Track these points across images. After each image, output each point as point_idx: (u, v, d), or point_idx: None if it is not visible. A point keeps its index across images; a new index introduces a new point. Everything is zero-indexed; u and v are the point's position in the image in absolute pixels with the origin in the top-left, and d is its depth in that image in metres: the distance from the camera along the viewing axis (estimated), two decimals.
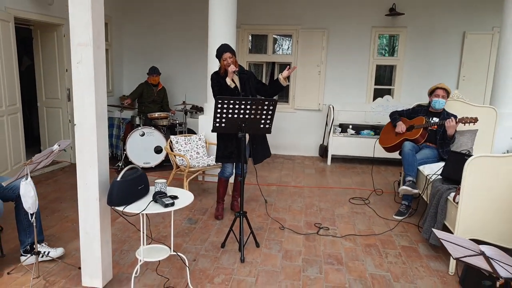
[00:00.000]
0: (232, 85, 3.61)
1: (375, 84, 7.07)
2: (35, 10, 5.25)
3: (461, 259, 1.89)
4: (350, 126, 6.71)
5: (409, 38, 6.74)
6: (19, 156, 4.98)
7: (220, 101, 3.07)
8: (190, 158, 4.84)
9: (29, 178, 2.48)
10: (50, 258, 2.99)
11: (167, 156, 5.64)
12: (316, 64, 7.01)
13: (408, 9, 6.55)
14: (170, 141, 4.92)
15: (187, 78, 7.35)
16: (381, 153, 5.24)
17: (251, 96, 3.73)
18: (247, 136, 3.75)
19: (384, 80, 7.74)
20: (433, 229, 2.09)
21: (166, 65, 7.26)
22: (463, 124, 4.08)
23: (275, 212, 4.26)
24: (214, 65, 4.39)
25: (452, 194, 3.13)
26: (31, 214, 2.58)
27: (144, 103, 6.39)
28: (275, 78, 3.71)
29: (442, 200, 3.26)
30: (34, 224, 2.69)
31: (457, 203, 2.95)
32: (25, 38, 6.68)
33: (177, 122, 6.29)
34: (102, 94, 2.44)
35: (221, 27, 4.95)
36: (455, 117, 4.15)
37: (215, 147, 3.91)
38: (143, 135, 5.70)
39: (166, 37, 7.33)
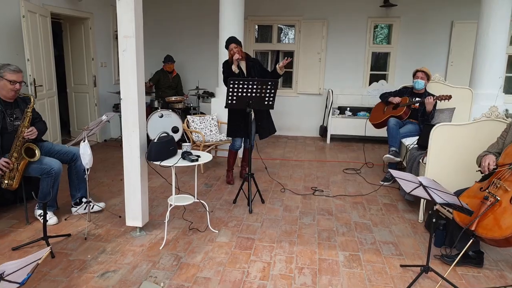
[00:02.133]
0: (236, 71, 4.29)
1: (372, 70, 7.71)
2: (67, 6, 5.95)
3: (411, 192, 2.57)
4: (348, 109, 7.38)
5: (402, 27, 7.35)
6: (56, 135, 5.74)
7: (232, 82, 3.76)
8: (204, 135, 5.55)
9: (86, 140, 3.21)
10: (99, 209, 3.75)
11: (182, 135, 6.36)
12: (317, 51, 7.65)
13: (401, 0, 7.14)
14: (187, 120, 5.63)
15: (199, 65, 8.01)
16: (375, 132, 5.91)
17: None
18: (252, 114, 4.45)
19: (382, 65, 8.34)
20: (389, 169, 2.78)
21: (179, 54, 7.90)
22: (439, 101, 4.73)
23: (278, 179, 4.97)
24: (224, 54, 5.04)
25: (422, 157, 3.81)
26: (87, 169, 3.32)
27: (161, 89, 7.10)
28: (273, 68, 4.38)
29: (415, 162, 3.95)
30: (87, 179, 3.43)
31: (425, 163, 3.62)
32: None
33: (191, 105, 7.01)
34: (141, 75, 3.15)
35: (230, 19, 5.60)
36: (435, 96, 4.79)
37: (225, 126, 4.62)
38: (161, 116, 6.41)
39: (179, 27, 7.99)
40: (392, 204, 4.22)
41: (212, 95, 7.65)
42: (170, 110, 6.48)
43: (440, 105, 4.90)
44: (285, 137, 7.80)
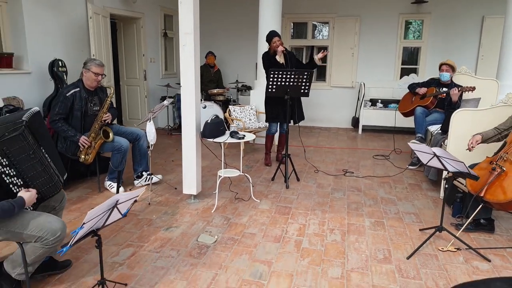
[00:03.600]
0: (281, 61, 4.80)
1: (405, 64, 8.02)
2: (122, 7, 6.67)
3: (428, 163, 3.00)
4: (379, 101, 7.74)
5: (433, 22, 7.62)
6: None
7: (272, 72, 4.28)
8: (244, 123, 6.12)
9: (152, 121, 3.84)
10: (157, 180, 4.38)
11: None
12: (350, 47, 8.05)
13: None
14: (229, 110, 6.21)
15: (238, 61, 8.59)
16: (405, 123, 6.26)
17: None
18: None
19: (415, 60, 8.62)
20: (408, 143, 3.21)
21: (220, 50, 8.50)
22: (464, 92, 5.05)
23: (311, 163, 5.46)
24: (263, 49, 5.58)
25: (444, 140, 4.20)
26: (151, 145, 3.95)
27: (203, 82, 7.71)
28: (312, 57, 4.85)
29: (437, 145, 4.33)
30: (150, 154, 4.06)
31: (446, 145, 4.01)
32: None
33: (231, 98, 7.62)
34: (198, 66, 3.73)
35: (269, 17, 6.12)
36: (460, 87, 5.12)
37: (263, 115, 5.13)
38: (205, 107, 7.03)
39: (220, 26, 8.60)
40: (417, 184, 4.62)
41: (249, 88, 8.22)
42: (212, 102, 7.09)
43: (466, 95, 5.22)
44: (318, 128, 8.26)
